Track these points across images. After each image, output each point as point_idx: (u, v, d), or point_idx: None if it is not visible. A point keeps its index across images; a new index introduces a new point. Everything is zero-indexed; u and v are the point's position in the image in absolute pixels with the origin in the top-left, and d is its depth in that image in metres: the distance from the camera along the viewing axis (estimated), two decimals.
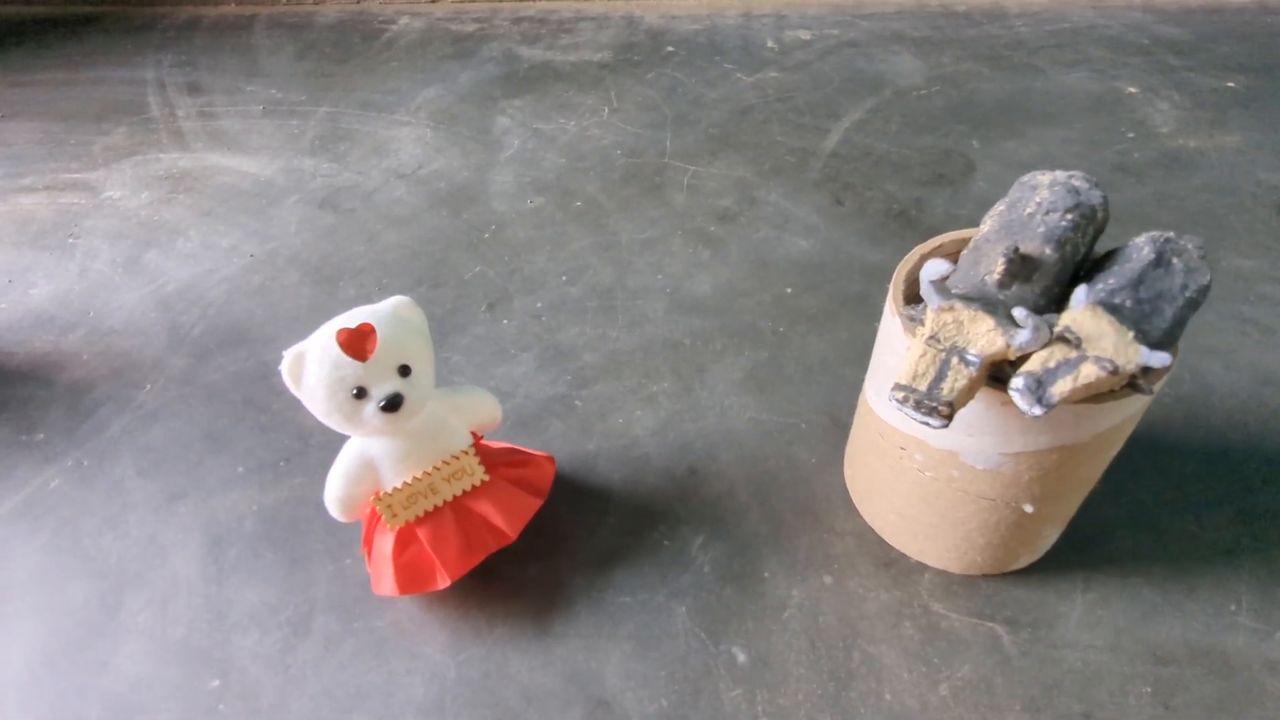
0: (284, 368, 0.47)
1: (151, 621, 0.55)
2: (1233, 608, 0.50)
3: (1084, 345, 0.36)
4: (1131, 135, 0.93)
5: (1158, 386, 0.38)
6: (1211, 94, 0.98)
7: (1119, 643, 0.49)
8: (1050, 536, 0.52)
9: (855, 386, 0.66)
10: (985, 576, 0.53)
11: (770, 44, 1.17)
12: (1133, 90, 1.01)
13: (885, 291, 0.75)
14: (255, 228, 0.89)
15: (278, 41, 1.30)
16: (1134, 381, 0.37)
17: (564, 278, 0.79)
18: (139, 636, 0.54)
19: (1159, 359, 0.35)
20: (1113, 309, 0.38)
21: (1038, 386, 0.36)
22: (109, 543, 0.59)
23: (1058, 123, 0.96)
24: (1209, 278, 0.39)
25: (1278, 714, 0.45)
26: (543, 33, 1.25)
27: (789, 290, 0.76)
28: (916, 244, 0.80)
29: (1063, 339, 0.36)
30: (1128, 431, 0.43)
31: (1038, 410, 0.36)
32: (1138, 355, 0.35)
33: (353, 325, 0.48)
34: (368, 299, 0.78)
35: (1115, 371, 0.35)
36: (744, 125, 1.00)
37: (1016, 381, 0.37)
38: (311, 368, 0.47)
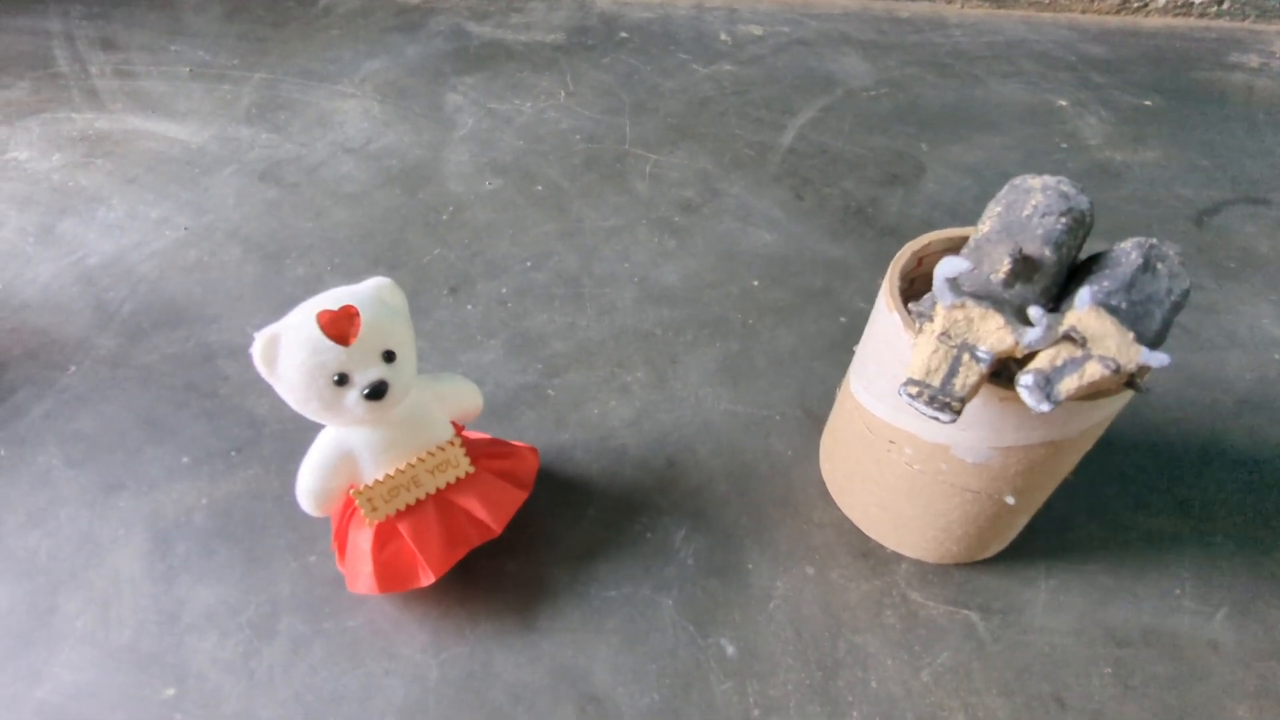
0: (255, 351, 0.44)
1: (92, 625, 0.50)
2: (1177, 591, 0.54)
3: (1089, 345, 0.38)
4: (1065, 146, 0.98)
5: (1148, 383, 0.40)
6: (1132, 111, 1.05)
7: (1081, 627, 0.52)
8: (1019, 526, 0.54)
9: (826, 379, 0.67)
10: (957, 565, 0.55)
11: (723, 37, 1.18)
12: (1063, 103, 1.06)
13: (849, 286, 0.77)
14: (188, 199, 0.83)
15: (203, 0, 1.20)
16: (1132, 380, 0.39)
17: (528, 263, 0.77)
18: (78, 642, 0.49)
19: (1158, 359, 0.37)
20: (1111, 310, 0.39)
21: (1046, 384, 0.38)
22: (37, 540, 0.54)
23: (998, 130, 1.00)
24: (1189, 283, 0.42)
25: (1222, 691, 0.49)
26: (492, 10, 1.22)
27: (755, 283, 0.76)
28: (875, 241, 0.83)
29: (1069, 338, 0.38)
30: (1107, 425, 0.46)
31: (1045, 406, 0.38)
32: (1139, 355, 0.37)
33: (334, 307, 0.45)
34: (319, 279, 0.74)
35: (1118, 370, 0.37)
36: (703, 116, 1.00)
37: (1026, 379, 0.38)
38: (287, 351, 0.44)
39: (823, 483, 0.59)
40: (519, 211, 0.83)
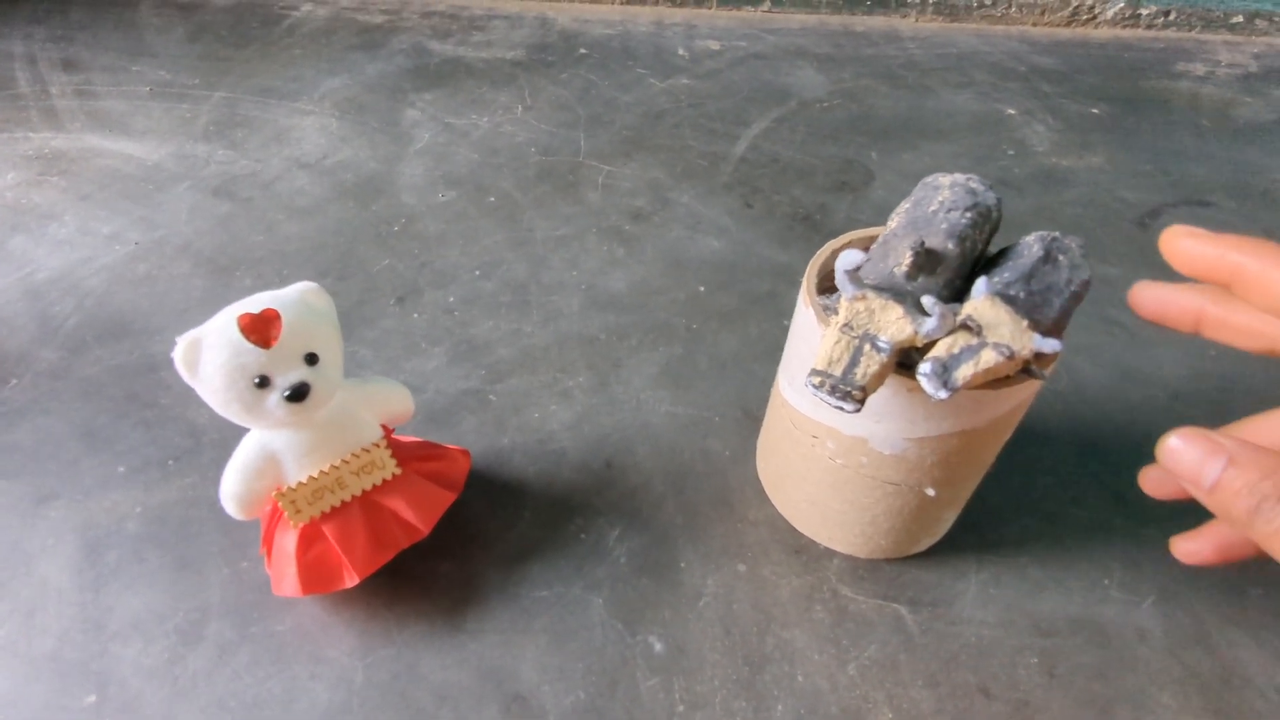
0: (177, 354, 0.44)
1: (14, 634, 0.50)
2: (1106, 581, 0.55)
3: (984, 333, 0.38)
4: (1012, 153, 1.00)
5: (1049, 371, 0.41)
6: (1080, 119, 1.07)
7: (1009, 618, 0.52)
8: (948, 520, 0.54)
9: (766, 381, 0.68)
10: (889, 560, 0.55)
11: (681, 52, 1.20)
12: (1012, 112, 1.08)
13: (793, 290, 0.78)
14: (141, 214, 0.83)
15: (167, 21, 1.22)
16: (1028, 367, 0.40)
17: (477, 272, 0.78)
18: None
19: (1050, 345, 0.37)
20: (1009, 300, 0.40)
21: (943, 371, 0.38)
22: None
23: (948, 138, 1.02)
24: (1089, 273, 0.43)
25: (1147, 678, 0.49)
26: (454, 28, 1.23)
27: (701, 288, 0.77)
28: (821, 246, 0.84)
29: (965, 327, 0.39)
30: (1020, 416, 0.46)
31: (943, 394, 0.38)
32: (1031, 341, 0.38)
33: (256, 310, 0.46)
34: (267, 290, 0.74)
35: (1012, 356, 0.38)
36: (657, 128, 1.01)
37: (924, 367, 0.39)
38: (209, 354, 0.45)
39: (758, 481, 0.60)
40: (470, 222, 0.84)
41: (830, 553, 0.56)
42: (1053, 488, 0.61)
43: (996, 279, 0.42)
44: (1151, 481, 0.41)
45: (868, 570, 0.55)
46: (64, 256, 0.78)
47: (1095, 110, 1.09)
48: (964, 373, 0.39)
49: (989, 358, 0.38)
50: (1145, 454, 0.63)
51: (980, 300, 0.40)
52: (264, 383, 0.45)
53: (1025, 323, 0.39)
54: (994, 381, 0.42)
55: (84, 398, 0.64)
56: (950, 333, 0.40)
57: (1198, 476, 0.29)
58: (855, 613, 0.52)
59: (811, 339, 0.47)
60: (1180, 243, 0.34)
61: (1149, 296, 0.38)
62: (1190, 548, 0.40)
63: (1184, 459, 0.29)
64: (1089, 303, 0.74)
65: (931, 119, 1.06)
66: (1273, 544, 0.27)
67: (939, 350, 0.40)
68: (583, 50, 1.19)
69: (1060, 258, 0.43)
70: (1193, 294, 0.36)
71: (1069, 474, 0.61)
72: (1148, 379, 0.69)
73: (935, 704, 0.48)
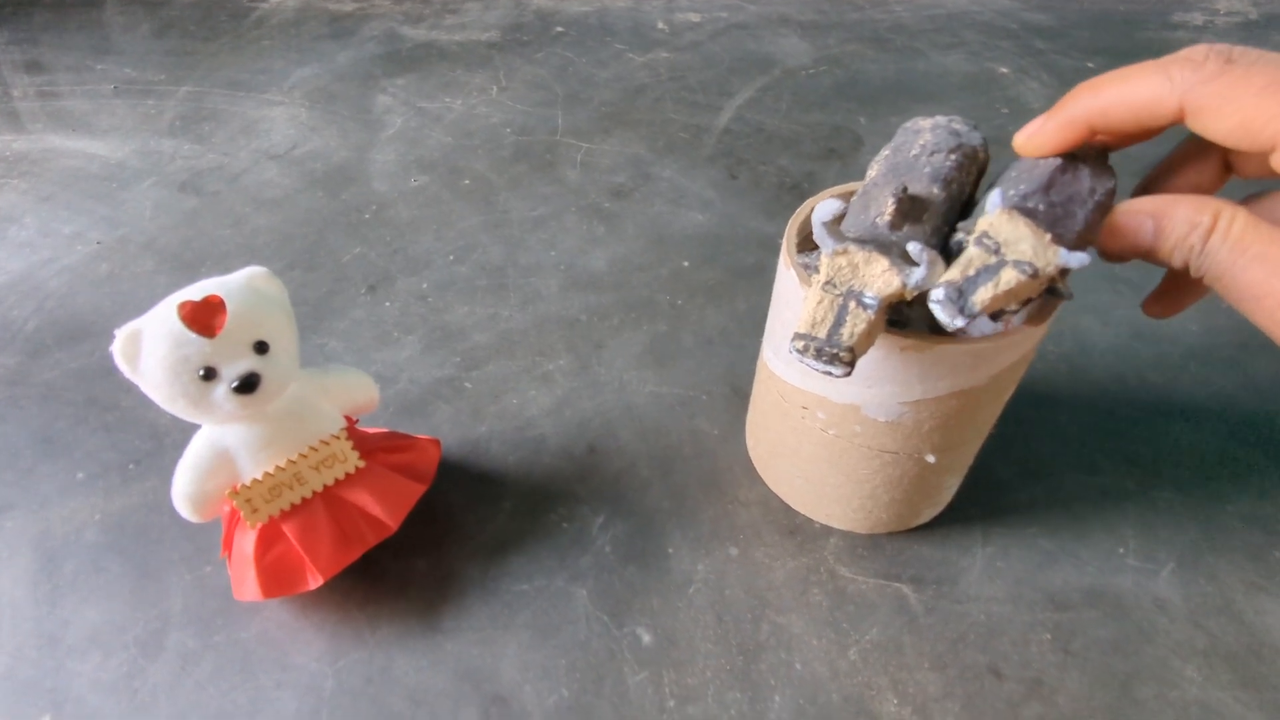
0: (115, 348, 0.41)
1: None
2: (1121, 550, 0.51)
3: (1002, 250, 0.35)
4: (1006, 111, 0.96)
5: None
6: (1075, 74, 1.03)
7: (1019, 593, 0.49)
8: (951, 488, 0.51)
9: (755, 356, 0.64)
10: (889, 536, 0.52)
11: (661, 25, 1.16)
12: (1005, 71, 1.05)
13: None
14: (104, 213, 0.80)
15: (132, 19, 1.19)
16: (1053, 286, 0.36)
17: (451, 257, 0.75)
18: None
19: (1077, 259, 0.34)
20: (1027, 213, 0.36)
21: (959, 296, 0.35)
22: None
23: (939, 100, 0.98)
24: (1115, 181, 0.39)
25: (1169, 650, 0.46)
26: (426, 13, 1.20)
27: (686, 263, 0.74)
28: None
29: (981, 245, 0.35)
30: (1021, 372, 0.43)
31: (960, 321, 0.34)
32: (1057, 257, 0.34)
33: (198, 297, 0.43)
34: None
35: (1035, 274, 0.34)
36: (637, 103, 0.98)
37: (937, 292, 0.35)
38: (149, 346, 0.42)
39: (749, 460, 0.57)
40: (444, 206, 0.81)
41: (827, 531, 0.52)
42: (1060, 453, 0.57)
43: (1012, 191, 0.38)
44: (1110, 253, 0.40)
45: (867, 548, 0.52)
46: (24, 259, 0.75)
47: (1091, 65, 1.05)
48: (982, 296, 0.35)
49: (1010, 277, 0.34)
50: (1160, 414, 0.60)
51: (995, 214, 0.36)
52: (210, 374, 0.42)
53: (1048, 236, 0.35)
54: (996, 335, 0.39)
55: (42, 403, 0.61)
56: (963, 251, 0.36)
57: (1138, 244, 0.33)
58: (855, 594, 0.49)
59: (794, 302, 0.43)
60: (1036, 140, 0.37)
61: (1040, 139, 0.37)
62: (1158, 307, 0.42)
63: (1124, 231, 0.34)
64: (1094, 262, 0.70)
65: (921, 81, 1.02)
66: (1215, 286, 0.31)
67: (953, 273, 0.36)
68: (559, 28, 1.15)
69: (1081, 165, 0.39)
70: (1069, 113, 0.36)
71: (1077, 438, 0.58)
72: (1159, 337, 0.65)
73: (943, 687, 0.45)
